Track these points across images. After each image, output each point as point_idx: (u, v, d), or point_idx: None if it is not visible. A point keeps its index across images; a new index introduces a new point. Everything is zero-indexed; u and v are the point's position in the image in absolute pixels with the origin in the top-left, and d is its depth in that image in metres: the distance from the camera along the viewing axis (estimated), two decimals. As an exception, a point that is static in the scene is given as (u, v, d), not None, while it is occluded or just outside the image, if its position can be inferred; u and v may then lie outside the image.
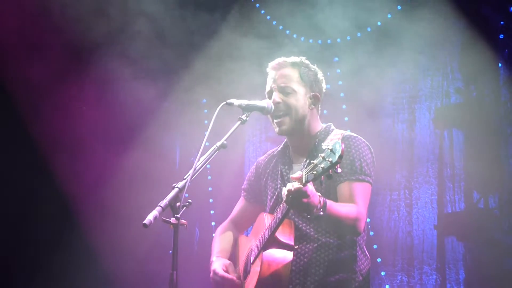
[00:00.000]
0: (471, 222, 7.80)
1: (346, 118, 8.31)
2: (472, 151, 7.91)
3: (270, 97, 4.58)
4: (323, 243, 4.40)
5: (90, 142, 8.56)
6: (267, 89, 4.63)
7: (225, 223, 5.02)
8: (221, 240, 4.90)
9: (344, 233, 4.39)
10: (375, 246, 7.94)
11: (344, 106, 8.48)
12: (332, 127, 4.65)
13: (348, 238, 4.43)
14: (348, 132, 4.54)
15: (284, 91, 4.54)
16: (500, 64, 8.05)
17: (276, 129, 4.57)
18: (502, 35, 8.02)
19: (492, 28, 8.06)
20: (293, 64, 4.60)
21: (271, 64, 4.65)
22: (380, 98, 8.38)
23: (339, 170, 3.71)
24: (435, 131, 8.25)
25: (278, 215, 4.19)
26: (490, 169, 7.71)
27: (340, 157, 3.67)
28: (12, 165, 8.23)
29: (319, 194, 3.99)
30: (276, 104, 4.51)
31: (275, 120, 4.55)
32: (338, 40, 8.66)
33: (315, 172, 3.75)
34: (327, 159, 3.70)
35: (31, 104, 8.22)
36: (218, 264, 4.61)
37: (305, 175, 3.81)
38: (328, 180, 3.79)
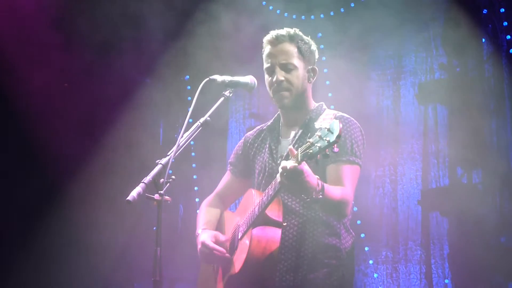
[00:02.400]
0: (455, 197, 7.82)
1: (330, 94, 8.29)
2: (456, 127, 7.92)
3: (270, 73, 4.54)
4: (308, 219, 4.39)
5: (72, 119, 8.50)
6: (266, 65, 4.57)
7: (211, 197, 4.99)
8: (206, 213, 4.88)
9: (332, 215, 4.38)
10: (358, 222, 7.96)
11: (327, 82, 8.46)
12: (324, 106, 4.63)
13: (331, 218, 4.43)
14: (340, 113, 4.51)
15: (286, 67, 4.50)
16: (483, 40, 8.04)
17: (278, 103, 4.55)
18: (486, 10, 8.02)
19: (476, 4, 8.05)
20: (291, 38, 4.55)
21: (268, 38, 4.58)
22: (364, 74, 8.37)
23: (336, 149, 3.69)
24: (419, 107, 8.26)
25: (270, 192, 4.17)
26: (474, 145, 7.73)
27: (338, 136, 3.66)
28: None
29: (318, 177, 3.98)
30: (279, 82, 4.47)
31: (276, 94, 4.51)
32: (322, 15, 8.63)
33: (311, 151, 3.73)
34: (324, 138, 3.68)
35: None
36: (207, 236, 4.58)
37: (301, 153, 3.78)
38: (324, 160, 3.78)
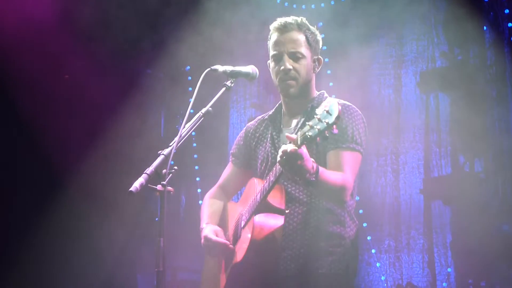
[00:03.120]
0: (458, 186, 7.82)
1: (331, 83, 8.28)
2: (458, 115, 7.91)
3: (277, 61, 4.51)
4: (312, 207, 4.39)
5: (73, 111, 8.50)
6: (273, 52, 4.53)
7: (213, 189, 4.98)
8: (209, 206, 4.87)
9: (329, 200, 4.38)
10: (360, 211, 7.95)
11: (328, 71, 8.45)
12: (326, 95, 4.62)
13: (337, 205, 4.43)
14: (342, 101, 4.48)
15: (295, 56, 4.48)
16: (485, 28, 8.02)
17: (283, 92, 4.53)
18: (487, -2, 8.01)
19: (477, -9, 8.05)
20: (299, 27, 4.52)
21: (276, 25, 4.55)
22: (365, 63, 8.36)
23: (336, 131, 3.68)
24: (421, 96, 8.25)
25: (271, 178, 4.17)
26: (476, 133, 7.71)
27: (338, 117, 3.65)
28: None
29: (313, 159, 3.97)
30: (287, 70, 4.45)
31: (282, 83, 4.50)
32: (322, 5, 8.61)
33: (310, 134, 3.71)
34: (323, 120, 3.67)
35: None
36: (209, 230, 4.58)
37: (300, 136, 3.77)
38: (324, 146, 3.77)
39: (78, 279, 8.47)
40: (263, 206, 4.22)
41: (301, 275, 4.36)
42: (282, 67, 4.46)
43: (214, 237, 4.52)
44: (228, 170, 4.97)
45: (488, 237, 7.45)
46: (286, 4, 8.75)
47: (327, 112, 3.67)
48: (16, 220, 8.34)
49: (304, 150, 3.85)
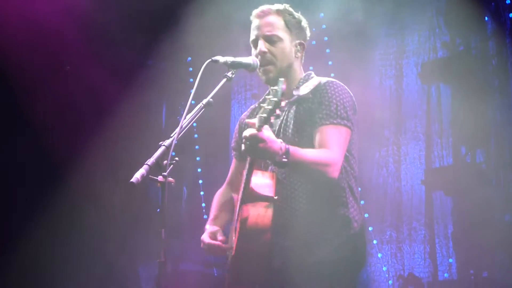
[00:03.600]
0: (459, 177, 7.82)
1: (332, 74, 8.24)
2: (460, 106, 7.90)
3: (255, 46, 4.49)
4: (310, 193, 4.29)
5: (74, 102, 8.50)
6: (252, 37, 4.52)
7: (222, 187, 4.94)
8: (216, 205, 4.83)
9: (316, 179, 4.22)
10: (362, 202, 7.93)
11: (330, 62, 8.45)
12: (313, 74, 4.54)
13: (335, 186, 4.30)
14: (326, 78, 4.43)
15: (270, 39, 4.44)
16: (486, 18, 8.01)
17: (263, 78, 4.48)
18: (489, -12, 8.00)
19: (479, -19, 8.03)
20: (278, 12, 4.50)
21: (255, 12, 4.53)
22: (366, 54, 8.35)
23: (285, 108, 3.74)
24: (422, 86, 8.25)
25: (247, 166, 4.14)
26: (478, 124, 7.71)
27: (282, 94, 3.65)
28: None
29: (281, 140, 3.93)
30: (262, 53, 4.43)
31: (261, 68, 4.48)
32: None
33: (264, 115, 3.71)
34: (272, 99, 3.67)
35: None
36: (205, 234, 4.53)
37: (258, 119, 3.77)
38: (276, 120, 3.76)
39: (80, 270, 8.49)
40: (250, 196, 4.12)
41: (295, 266, 4.26)
42: (258, 51, 4.44)
43: (207, 240, 4.50)
44: (232, 166, 4.94)
45: (489, 228, 7.45)
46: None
47: (275, 90, 3.67)
48: (17, 213, 8.35)
49: (265, 133, 3.81)
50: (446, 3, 8.19)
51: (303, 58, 4.60)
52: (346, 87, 4.42)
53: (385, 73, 8.43)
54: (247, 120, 3.90)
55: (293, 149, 3.97)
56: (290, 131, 4.32)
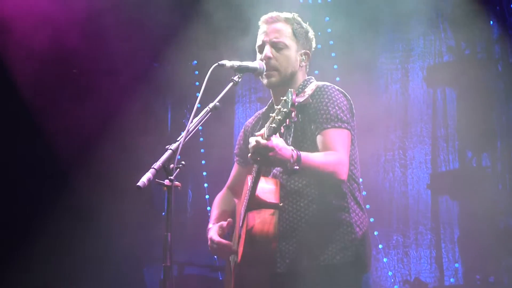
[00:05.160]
0: (465, 181, 7.82)
1: (337, 78, 8.27)
2: (465, 110, 7.91)
3: (260, 51, 4.50)
4: (310, 197, 4.30)
5: (80, 104, 8.50)
6: (258, 42, 4.54)
7: (223, 190, 4.95)
8: (218, 207, 4.84)
9: (327, 181, 4.25)
10: (368, 206, 7.94)
11: (335, 66, 8.44)
12: (312, 80, 4.56)
13: (337, 191, 4.34)
14: (322, 83, 4.44)
15: (276, 46, 4.46)
16: (492, 22, 8.02)
17: (265, 81, 4.49)
18: (494, -7, 8.00)
19: (484, -15, 8.03)
20: (286, 20, 4.53)
21: (264, 17, 4.56)
22: (372, 58, 8.35)
23: (295, 119, 3.67)
24: (428, 91, 8.24)
25: (253, 174, 4.14)
26: (483, 128, 7.71)
27: (292, 105, 3.63)
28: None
29: (292, 148, 3.93)
30: (267, 58, 4.44)
31: (264, 73, 4.49)
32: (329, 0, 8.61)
33: (273, 125, 3.70)
34: (282, 109, 3.66)
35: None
36: (214, 231, 4.53)
37: (267, 129, 3.77)
38: (286, 131, 3.76)
39: (85, 273, 8.48)
40: (255, 203, 4.14)
41: (298, 270, 4.28)
42: (263, 56, 4.45)
43: (217, 238, 4.48)
44: (234, 171, 4.95)
45: (495, 232, 7.45)
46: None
47: (285, 101, 3.66)
48: (22, 216, 8.34)
49: (274, 141, 3.80)
50: (452, 8, 8.17)
51: (307, 68, 4.62)
52: (343, 91, 4.46)
53: (391, 77, 8.43)
54: (256, 134, 3.87)
55: (304, 155, 3.98)
56: (296, 136, 4.33)
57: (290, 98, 3.65)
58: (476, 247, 7.59)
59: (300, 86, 4.49)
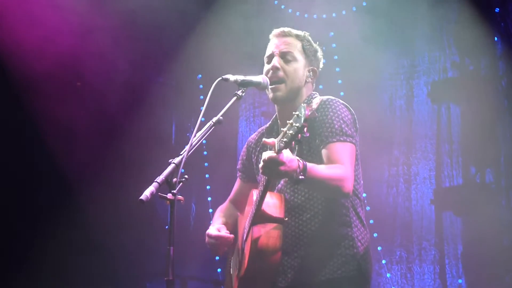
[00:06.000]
0: (469, 197, 7.81)
1: (342, 93, 8.26)
2: (470, 126, 7.90)
3: (269, 61, 4.52)
4: (314, 212, 4.32)
5: (86, 119, 8.51)
6: (268, 53, 4.56)
7: (224, 204, 4.97)
8: (218, 218, 4.85)
9: (331, 195, 4.28)
10: (371, 221, 7.93)
11: (340, 81, 8.45)
12: (316, 95, 4.57)
13: (340, 206, 4.37)
14: (326, 97, 4.45)
15: (285, 57, 4.49)
16: (496, 38, 8.02)
17: (271, 95, 4.50)
18: (498, 9, 8.00)
19: (488, 2, 8.03)
20: (297, 36, 4.56)
21: (275, 31, 4.59)
22: (377, 74, 8.36)
23: (307, 134, 3.68)
24: (432, 106, 8.25)
25: (261, 188, 4.14)
26: (487, 144, 7.71)
27: (305, 120, 3.64)
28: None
29: (298, 158, 3.93)
30: (275, 69, 4.46)
31: (270, 86, 4.49)
32: (334, 14, 8.62)
33: (285, 140, 3.70)
34: (294, 124, 3.67)
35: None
36: (211, 228, 4.57)
37: (277, 143, 3.77)
38: (298, 145, 3.76)
39: (88, 287, 8.47)
40: (261, 217, 4.16)
41: (300, 285, 4.30)
42: (271, 65, 4.47)
43: (215, 232, 4.50)
44: (236, 186, 4.96)
45: (499, 248, 7.43)
46: (297, 13, 8.75)
47: (298, 115, 3.67)
48: (24, 228, 8.35)
49: (284, 154, 3.81)
50: (456, 24, 8.19)
51: (313, 85, 4.63)
52: (347, 104, 4.47)
53: (395, 92, 8.43)
54: (264, 140, 3.88)
55: (310, 165, 3.99)
56: (301, 150, 4.32)
57: (303, 113, 3.66)
58: (480, 263, 7.57)
59: (305, 101, 4.49)
